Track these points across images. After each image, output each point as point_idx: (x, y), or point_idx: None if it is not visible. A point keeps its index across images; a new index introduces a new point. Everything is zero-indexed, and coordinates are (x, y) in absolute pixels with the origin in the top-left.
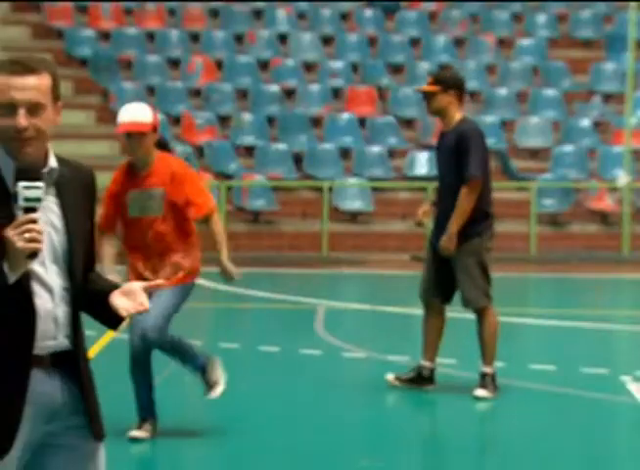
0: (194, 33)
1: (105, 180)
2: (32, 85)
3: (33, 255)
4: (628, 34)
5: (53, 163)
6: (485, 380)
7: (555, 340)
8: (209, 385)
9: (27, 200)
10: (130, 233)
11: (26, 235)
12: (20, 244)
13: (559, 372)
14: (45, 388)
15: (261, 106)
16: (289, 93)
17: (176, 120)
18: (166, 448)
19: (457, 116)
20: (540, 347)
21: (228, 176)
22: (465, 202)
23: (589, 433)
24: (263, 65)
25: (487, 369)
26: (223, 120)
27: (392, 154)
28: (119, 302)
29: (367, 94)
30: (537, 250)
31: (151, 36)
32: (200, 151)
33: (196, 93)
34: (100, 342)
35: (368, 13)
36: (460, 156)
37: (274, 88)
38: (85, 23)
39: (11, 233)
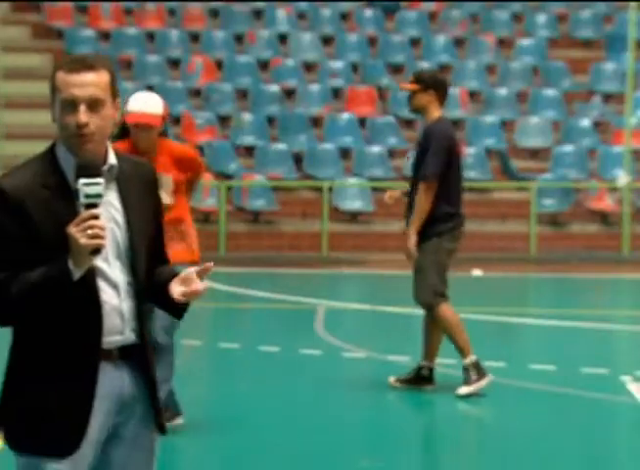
0: (194, 33)
1: None
2: (92, 82)
3: (97, 251)
4: (628, 34)
5: (112, 159)
6: (468, 373)
7: (555, 340)
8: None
9: (88, 196)
10: None
11: (89, 231)
12: (83, 240)
13: (559, 372)
14: (114, 382)
15: (261, 106)
16: (289, 93)
17: (176, 120)
18: (166, 448)
19: (435, 114)
20: (540, 347)
21: (228, 176)
22: (421, 201)
23: (589, 433)
24: (263, 65)
25: (466, 360)
26: (223, 120)
27: (392, 154)
28: (176, 288)
29: (367, 94)
30: (537, 250)
31: (151, 36)
32: (200, 151)
33: (196, 93)
34: None
35: (368, 13)
36: (422, 154)
37: (274, 88)
38: (85, 23)
39: (74, 230)
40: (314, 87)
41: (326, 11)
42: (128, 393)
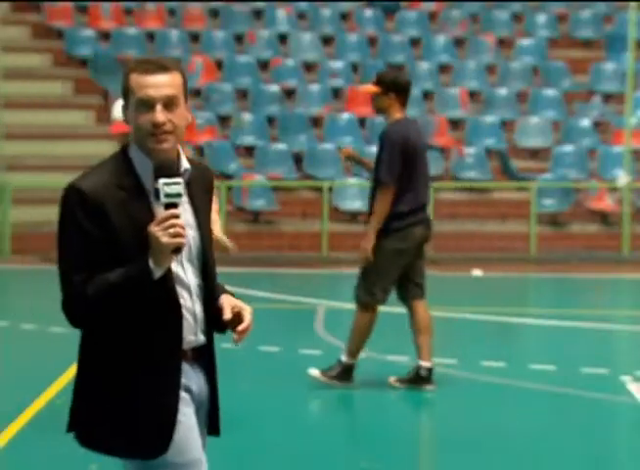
0: (194, 33)
1: None
2: (167, 82)
3: (178, 249)
4: (628, 34)
5: (185, 163)
6: (337, 367)
7: (555, 340)
8: None
9: (168, 195)
10: None
11: (171, 230)
12: (165, 239)
13: (559, 372)
14: (193, 381)
15: (261, 106)
16: (289, 93)
17: None
18: None
19: (397, 116)
20: (540, 347)
21: (228, 176)
22: (379, 204)
23: (589, 433)
24: (263, 65)
25: (347, 359)
26: (223, 120)
27: None
28: (227, 311)
29: (367, 94)
30: (537, 250)
31: (151, 36)
32: (200, 151)
33: (196, 93)
34: None
35: (368, 13)
36: (379, 156)
37: (274, 88)
38: (85, 23)
39: (155, 229)
40: (314, 87)
41: (326, 11)
42: (202, 392)
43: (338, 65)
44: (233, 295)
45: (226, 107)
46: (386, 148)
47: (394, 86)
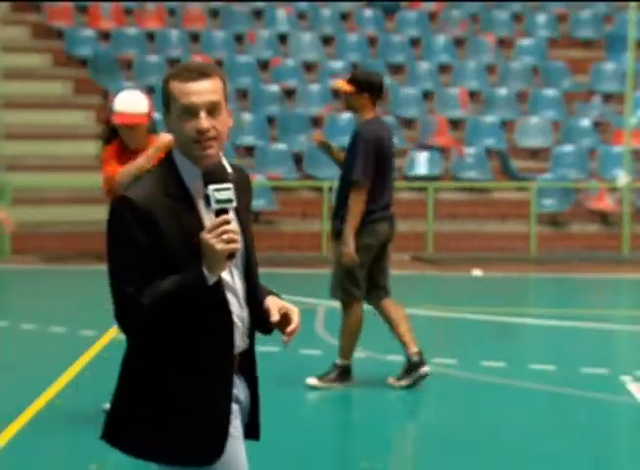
0: (194, 33)
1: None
2: (209, 88)
3: (232, 255)
4: (628, 34)
5: (229, 167)
6: (333, 371)
7: (555, 340)
8: None
9: (219, 201)
10: None
11: (224, 236)
12: (219, 246)
13: (559, 372)
14: (240, 390)
15: (261, 106)
16: (289, 93)
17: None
18: None
19: (368, 116)
20: (540, 347)
21: None
22: (354, 205)
23: (589, 433)
24: (263, 65)
25: (341, 362)
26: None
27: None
28: (274, 312)
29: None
30: (537, 250)
31: (151, 36)
32: None
33: None
34: (100, 341)
35: (368, 13)
36: (350, 155)
37: (274, 88)
38: (85, 23)
39: (208, 236)
40: (314, 87)
41: (326, 11)
42: (246, 398)
43: (338, 65)
44: (278, 296)
45: None
46: (360, 147)
47: (369, 86)
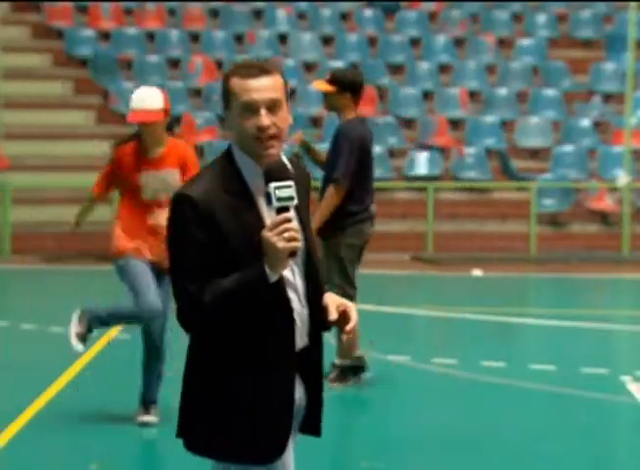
0: (194, 33)
1: None
2: (269, 85)
3: (294, 253)
4: (628, 34)
5: (289, 165)
6: (332, 371)
7: (555, 340)
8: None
9: (280, 199)
10: (134, 213)
11: (285, 235)
12: (280, 244)
13: (559, 372)
14: (297, 390)
15: None
16: (289, 93)
17: (176, 120)
18: (166, 447)
19: (350, 115)
20: (540, 347)
21: None
22: (328, 201)
23: (589, 433)
24: None
25: (341, 362)
26: (223, 121)
27: (392, 154)
28: (332, 310)
29: (367, 94)
30: (537, 250)
31: (151, 36)
32: (200, 151)
33: (196, 93)
34: (100, 341)
35: (368, 13)
36: (334, 155)
37: None
38: (85, 23)
39: (270, 234)
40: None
41: (326, 11)
42: (302, 397)
43: (338, 65)
44: (335, 293)
45: None
46: (344, 147)
47: (351, 86)
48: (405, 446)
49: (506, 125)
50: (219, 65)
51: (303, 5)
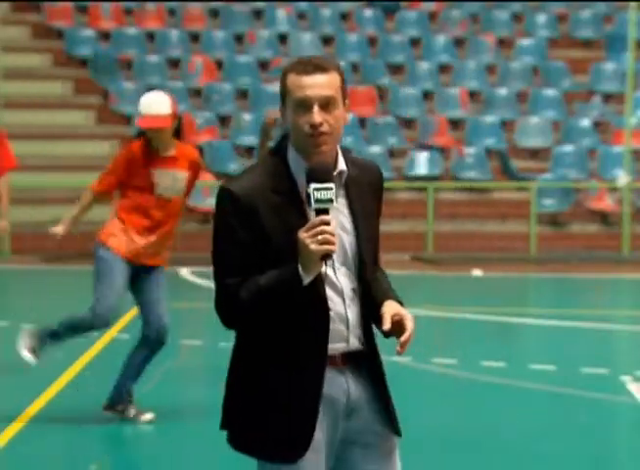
0: (194, 33)
1: None
2: (324, 83)
3: (327, 256)
4: (628, 34)
5: (342, 164)
6: None
7: (555, 340)
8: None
9: (319, 201)
10: (135, 211)
11: (319, 237)
12: (313, 246)
13: (559, 372)
14: (338, 387)
15: (261, 106)
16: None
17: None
18: (165, 447)
19: None
20: (540, 347)
21: (228, 176)
22: None
23: (589, 433)
24: (263, 65)
25: None
26: (223, 120)
27: (393, 154)
28: (387, 318)
29: (367, 94)
30: (537, 250)
31: (151, 36)
32: (200, 151)
33: (196, 93)
34: (100, 341)
35: (368, 13)
36: None
37: (274, 88)
38: (85, 23)
39: (304, 235)
40: None
41: (326, 11)
42: (354, 398)
43: None
44: (401, 302)
45: (226, 107)
46: None
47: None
48: (405, 446)
49: (506, 125)
50: (219, 65)
51: (303, 5)
